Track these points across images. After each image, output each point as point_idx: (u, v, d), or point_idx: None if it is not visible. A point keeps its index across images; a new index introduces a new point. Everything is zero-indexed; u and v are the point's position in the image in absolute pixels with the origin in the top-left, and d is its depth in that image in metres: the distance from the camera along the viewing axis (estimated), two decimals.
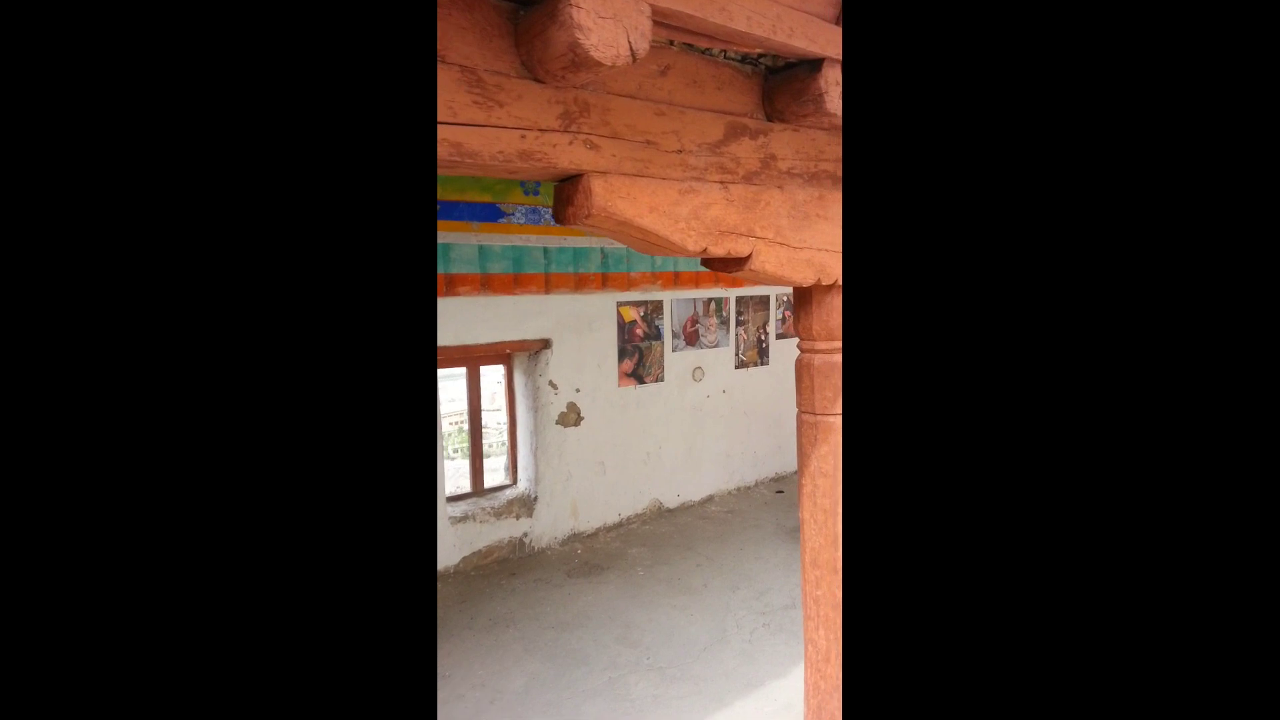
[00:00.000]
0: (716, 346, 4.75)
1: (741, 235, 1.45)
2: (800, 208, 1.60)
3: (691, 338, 4.57)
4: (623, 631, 3.02)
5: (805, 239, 1.61)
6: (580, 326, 3.94)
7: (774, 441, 5.24)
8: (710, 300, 4.66)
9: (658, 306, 4.33)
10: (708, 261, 1.60)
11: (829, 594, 1.89)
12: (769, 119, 1.49)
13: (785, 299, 5.22)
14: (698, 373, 4.63)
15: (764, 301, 5.07)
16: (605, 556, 3.81)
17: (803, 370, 1.84)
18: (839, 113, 1.37)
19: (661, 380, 4.40)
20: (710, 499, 4.78)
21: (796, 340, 5.44)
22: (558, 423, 3.90)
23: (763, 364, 5.11)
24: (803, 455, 1.87)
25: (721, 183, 1.40)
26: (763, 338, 5.10)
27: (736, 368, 4.92)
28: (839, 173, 1.68)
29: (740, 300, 4.88)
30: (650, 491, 4.41)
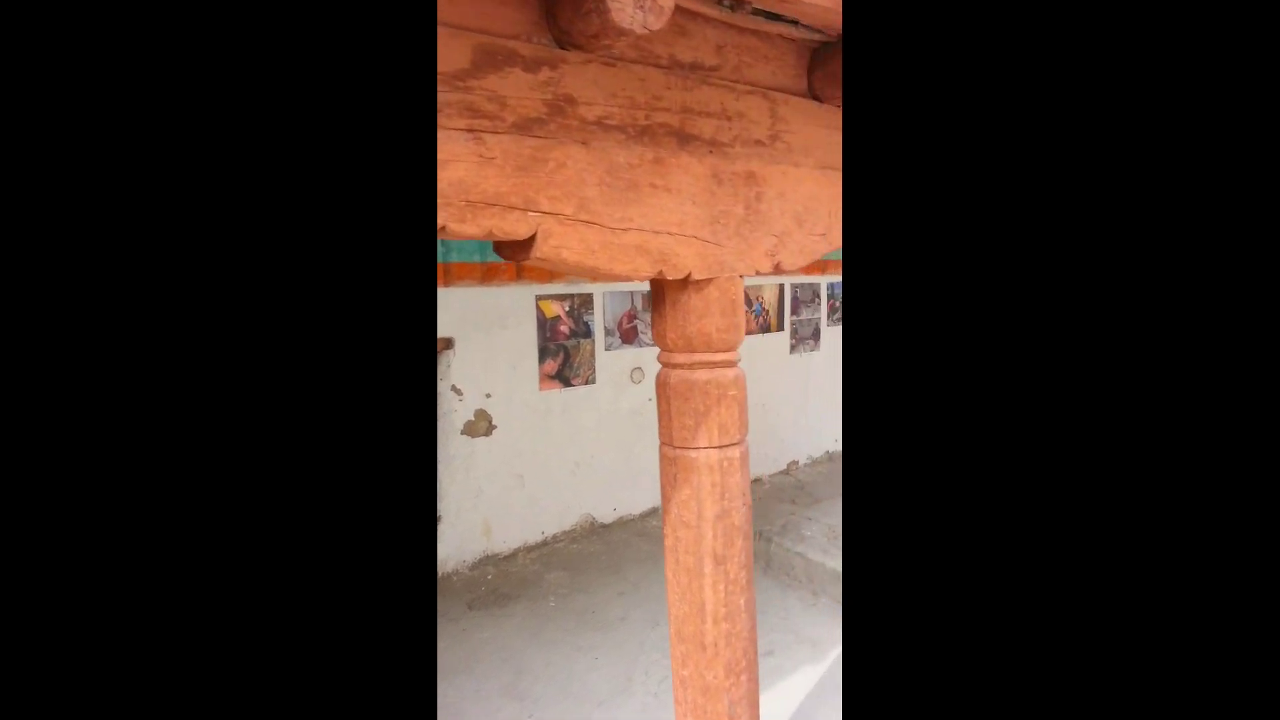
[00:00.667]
0: None
1: (513, 209, 1.02)
2: (621, 174, 1.16)
3: (629, 335, 4.13)
4: (512, 679, 2.61)
5: (631, 217, 1.18)
6: (490, 323, 3.51)
7: None
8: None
9: (587, 300, 3.90)
10: (497, 248, 1.17)
11: (696, 676, 1.47)
12: (561, 45, 1.05)
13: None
14: (637, 374, 4.20)
15: None
16: (518, 583, 3.40)
17: (659, 390, 1.41)
18: (637, 28, 0.94)
19: (593, 383, 3.97)
20: (654, 512, 4.37)
21: (755, 336, 4.95)
22: (464, 433, 3.47)
23: None
24: (664, 499, 1.45)
25: (471, 131, 0.96)
26: None
27: None
28: (689, 128, 1.24)
29: None
30: (580, 505, 4.00)
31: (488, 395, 3.54)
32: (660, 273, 1.24)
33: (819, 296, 5.36)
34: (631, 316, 4.14)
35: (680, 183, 1.23)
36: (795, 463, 5.32)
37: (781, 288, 5.05)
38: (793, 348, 5.20)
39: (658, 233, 1.22)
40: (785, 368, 5.15)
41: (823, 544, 3.27)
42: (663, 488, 1.44)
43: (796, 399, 5.24)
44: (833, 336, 5.47)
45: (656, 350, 4.39)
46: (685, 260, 1.26)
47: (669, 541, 1.45)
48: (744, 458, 1.42)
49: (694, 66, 1.23)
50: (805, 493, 4.77)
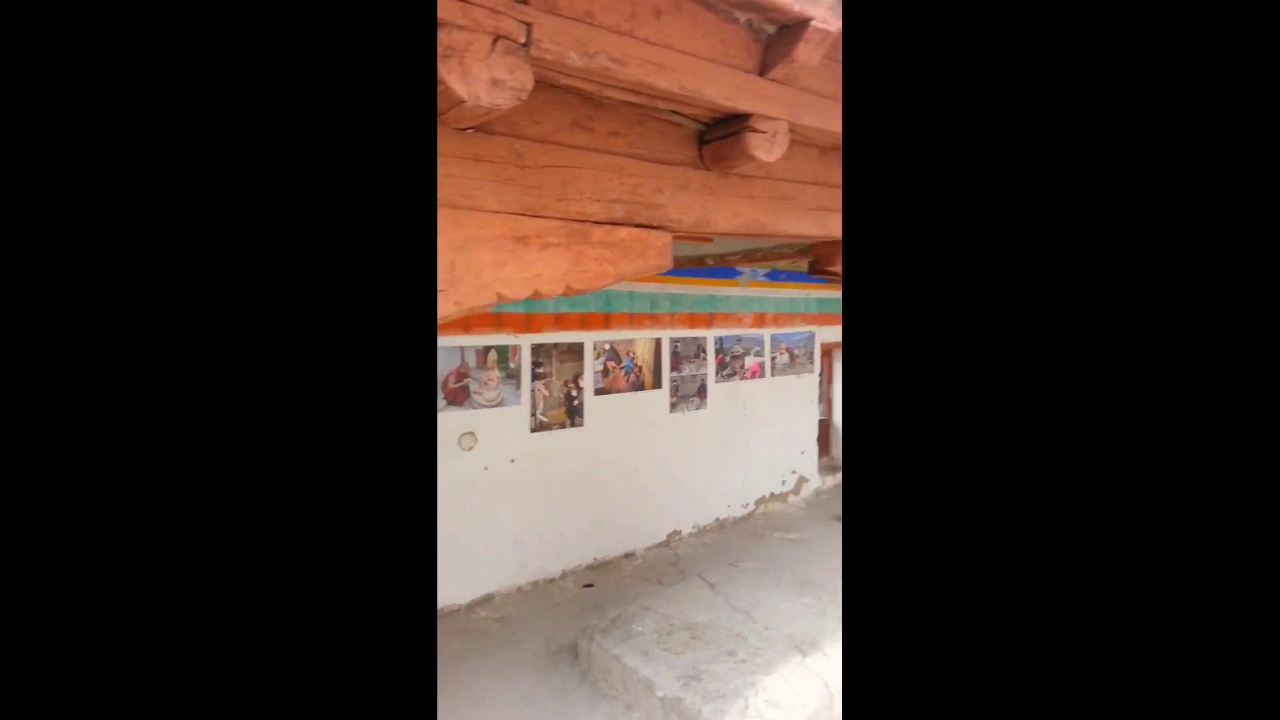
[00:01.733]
0: (500, 405, 3.85)
1: None
2: None
3: (457, 395, 3.66)
4: None
5: None
6: None
7: (591, 518, 4.30)
8: (488, 348, 3.78)
9: None
10: None
11: None
12: None
13: (607, 347, 4.39)
14: (467, 439, 3.70)
15: (575, 350, 4.22)
16: None
17: None
18: None
19: None
20: (488, 599, 3.78)
21: (627, 395, 4.38)
22: None
23: (574, 424, 4.22)
24: None
25: None
26: (574, 393, 4.22)
27: (533, 430, 4.02)
28: None
29: (538, 348, 4.02)
30: None
31: None
32: None
33: (704, 351, 4.99)
34: (461, 374, 3.68)
35: None
36: (677, 533, 4.80)
37: (658, 342, 4.67)
38: (673, 406, 4.78)
39: None
40: (664, 429, 4.71)
41: (648, 644, 2.74)
42: None
43: (678, 463, 4.78)
44: (722, 394, 5.08)
45: (494, 411, 3.88)
46: None
47: None
48: None
49: None
50: (678, 569, 4.24)
